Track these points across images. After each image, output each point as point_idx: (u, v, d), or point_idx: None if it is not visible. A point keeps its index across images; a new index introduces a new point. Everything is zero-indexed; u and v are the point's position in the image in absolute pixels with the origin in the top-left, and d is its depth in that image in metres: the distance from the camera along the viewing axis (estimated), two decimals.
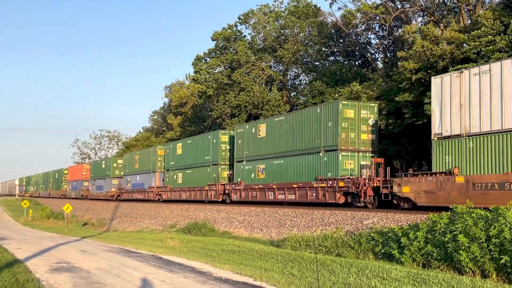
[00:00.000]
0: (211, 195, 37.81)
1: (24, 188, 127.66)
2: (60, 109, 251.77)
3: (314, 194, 27.40)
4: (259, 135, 33.52)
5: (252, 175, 33.69)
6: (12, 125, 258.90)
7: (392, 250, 15.79)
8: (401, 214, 20.16)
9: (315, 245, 19.40)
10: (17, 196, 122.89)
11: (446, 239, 14.10)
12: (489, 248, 13.26)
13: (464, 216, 14.36)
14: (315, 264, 14.42)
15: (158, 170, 49.40)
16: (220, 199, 36.82)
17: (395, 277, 12.41)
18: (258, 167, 33.27)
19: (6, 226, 48.28)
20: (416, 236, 15.14)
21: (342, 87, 41.09)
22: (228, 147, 38.13)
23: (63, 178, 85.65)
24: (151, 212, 41.41)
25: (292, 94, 58.05)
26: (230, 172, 37.65)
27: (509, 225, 13.17)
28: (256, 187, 32.55)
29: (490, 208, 14.54)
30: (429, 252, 14.62)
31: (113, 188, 61.23)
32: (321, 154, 27.52)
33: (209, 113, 61.85)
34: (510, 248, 12.76)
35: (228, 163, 38.18)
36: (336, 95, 40.05)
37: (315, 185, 27.38)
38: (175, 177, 45.28)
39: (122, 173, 60.73)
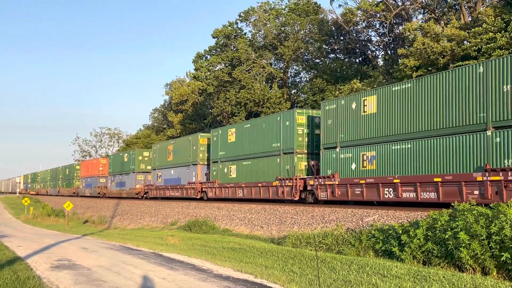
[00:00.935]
0: (283, 192, 29.40)
1: (28, 185, 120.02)
2: (60, 106, 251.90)
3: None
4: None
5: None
6: (11, 122, 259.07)
7: (392, 247, 15.80)
8: (401, 211, 20.15)
9: (315, 243, 19.42)
10: (18, 194, 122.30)
11: (447, 236, 14.11)
12: (490, 245, 13.26)
13: (465, 213, 14.37)
14: (316, 261, 14.43)
15: (200, 163, 41.19)
16: (297, 198, 28.35)
17: (395, 274, 12.42)
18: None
19: (7, 223, 48.34)
20: (416, 234, 15.15)
21: (342, 85, 41.13)
22: (306, 130, 29.42)
23: (75, 174, 77.92)
24: (151, 210, 41.43)
25: (292, 92, 58.06)
26: (314, 162, 29.19)
27: (510, 222, 13.17)
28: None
29: (491, 206, 14.55)
30: (430, 249, 14.62)
31: (138, 184, 53.98)
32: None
33: (210, 110, 61.86)
34: (511, 245, 12.76)
35: (307, 151, 29.29)
36: (337, 92, 40.08)
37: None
38: (226, 170, 36.13)
39: (149, 167, 53.19)
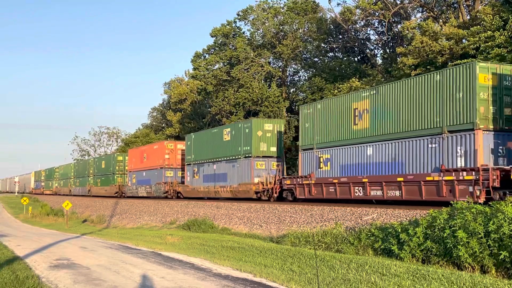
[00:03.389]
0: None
1: (42, 183, 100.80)
2: (58, 106, 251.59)
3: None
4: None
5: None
6: (7, 121, 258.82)
7: (391, 246, 15.81)
8: (400, 210, 20.18)
9: (314, 241, 19.43)
10: (16, 193, 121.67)
11: (445, 234, 14.12)
12: (488, 243, 13.28)
13: (464, 211, 14.38)
14: (315, 260, 14.44)
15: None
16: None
17: (394, 273, 12.44)
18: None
19: (6, 223, 48.34)
20: (415, 232, 15.16)
21: (341, 83, 41.14)
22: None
23: (117, 167, 60.03)
24: (150, 209, 41.43)
25: (291, 90, 58.05)
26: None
27: (508, 220, 13.18)
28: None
29: (490, 204, 14.58)
30: (429, 248, 14.64)
31: (259, 177, 32.97)
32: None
33: (208, 109, 61.83)
34: (509, 243, 12.78)
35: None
36: (336, 91, 40.07)
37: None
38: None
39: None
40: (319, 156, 27.43)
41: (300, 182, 28.62)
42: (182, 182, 45.00)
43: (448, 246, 13.96)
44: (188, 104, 71.07)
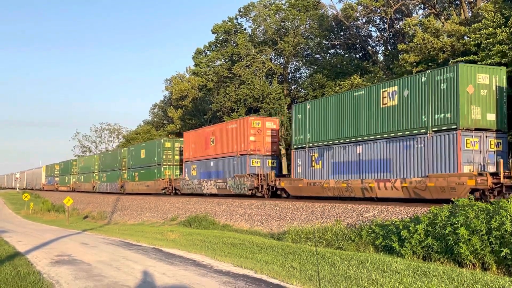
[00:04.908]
0: None
1: (56, 179, 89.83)
2: (59, 103, 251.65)
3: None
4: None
5: None
6: (8, 118, 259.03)
7: (392, 242, 15.81)
8: (401, 207, 20.17)
9: (315, 238, 19.43)
10: (17, 190, 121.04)
11: (447, 231, 14.11)
12: (490, 240, 13.27)
13: (466, 208, 14.37)
14: (316, 257, 14.44)
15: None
16: None
17: (395, 270, 12.43)
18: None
19: (7, 219, 48.39)
20: (416, 229, 15.16)
21: (342, 80, 41.11)
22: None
23: (164, 156, 46.87)
24: (151, 205, 41.46)
25: (292, 87, 58.01)
26: None
27: (510, 217, 13.18)
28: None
29: (492, 201, 14.56)
30: (430, 245, 14.63)
31: (470, 164, 20.01)
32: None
33: (209, 106, 61.83)
34: (511, 240, 12.77)
35: None
36: (337, 88, 40.05)
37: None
38: None
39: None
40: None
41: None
42: (282, 175, 36.00)
43: (449, 243, 13.95)
44: (189, 100, 71.07)
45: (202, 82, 61.05)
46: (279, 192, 31.25)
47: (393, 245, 15.71)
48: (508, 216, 13.23)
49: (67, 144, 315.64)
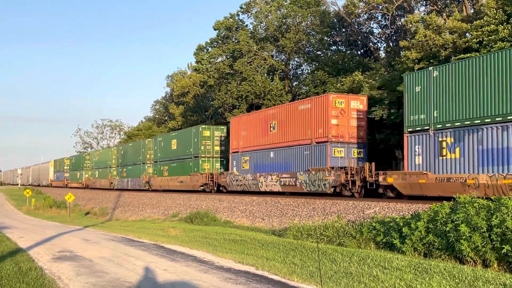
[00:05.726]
0: None
1: (66, 174, 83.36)
2: (62, 99, 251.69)
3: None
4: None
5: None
6: (9, 114, 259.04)
7: (393, 239, 15.82)
8: (402, 203, 20.18)
9: (316, 235, 19.44)
10: (19, 186, 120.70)
11: (448, 228, 14.12)
12: (491, 237, 13.27)
13: (466, 205, 14.37)
14: (317, 253, 14.46)
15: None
16: None
17: (396, 266, 12.45)
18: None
19: (9, 215, 48.46)
20: (417, 226, 15.16)
21: (344, 77, 41.05)
22: None
23: (202, 147, 40.59)
24: (153, 202, 41.50)
25: (294, 84, 57.94)
26: None
27: (511, 214, 13.18)
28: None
29: (493, 198, 14.57)
30: (431, 242, 14.64)
31: None
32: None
33: (211, 102, 61.79)
34: None
35: None
36: (338, 84, 40.00)
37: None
38: None
39: None
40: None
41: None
42: (387, 169, 26.86)
43: (450, 240, 13.96)
44: (191, 97, 71.05)
45: (204, 78, 61.00)
46: (381, 191, 24.10)
47: (394, 242, 15.72)
48: (509, 213, 13.23)
49: (69, 141, 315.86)
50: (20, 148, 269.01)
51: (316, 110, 28.24)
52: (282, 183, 30.14)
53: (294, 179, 29.00)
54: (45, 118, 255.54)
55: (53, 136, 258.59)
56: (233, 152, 36.50)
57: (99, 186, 65.34)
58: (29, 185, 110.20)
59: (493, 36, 27.48)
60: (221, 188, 38.00)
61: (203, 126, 42.72)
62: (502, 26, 27.43)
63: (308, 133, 28.59)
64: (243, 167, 35.10)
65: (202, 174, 39.63)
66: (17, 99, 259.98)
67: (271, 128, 32.02)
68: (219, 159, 41.00)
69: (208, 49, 61.99)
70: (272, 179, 31.03)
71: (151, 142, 51.44)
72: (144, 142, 53.28)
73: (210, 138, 40.88)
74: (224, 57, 58.04)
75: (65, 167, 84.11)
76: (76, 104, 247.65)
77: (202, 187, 39.36)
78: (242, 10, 57.15)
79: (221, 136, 41.26)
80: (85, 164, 74.93)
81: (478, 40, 28.76)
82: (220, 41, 59.56)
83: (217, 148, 41.19)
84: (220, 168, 39.94)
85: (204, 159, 40.51)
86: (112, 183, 60.65)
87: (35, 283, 11.05)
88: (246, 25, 58.64)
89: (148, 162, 51.10)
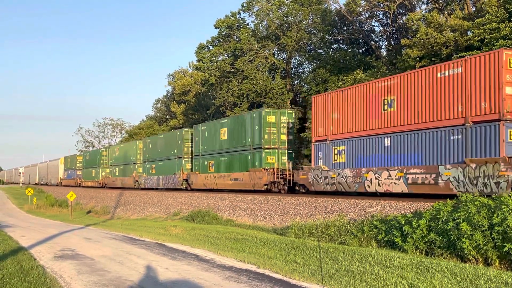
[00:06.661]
0: None
1: (79, 172, 76.09)
2: (63, 97, 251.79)
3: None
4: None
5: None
6: (12, 112, 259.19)
7: (395, 238, 15.81)
8: (404, 202, 20.15)
9: (318, 233, 19.44)
10: (21, 184, 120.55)
11: (449, 227, 14.11)
12: (492, 236, 13.27)
13: (468, 204, 14.37)
14: (318, 251, 14.46)
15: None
16: None
17: (398, 265, 12.44)
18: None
19: (11, 213, 48.53)
20: (419, 224, 15.16)
21: (345, 75, 41.00)
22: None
23: (266, 136, 33.16)
24: (154, 200, 41.51)
25: (295, 82, 57.91)
26: None
27: None
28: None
29: (493, 197, 14.56)
30: (432, 240, 14.64)
31: None
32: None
33: (212, 101, 61.78)
34: None
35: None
36: (340, 82, 39.94)
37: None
38: None
39: None
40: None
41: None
42: None
43: (452, 238, 13.96)
44: (192, 95, 71.04)
45: (205, 77, 60.99)
46: None
47: (395, 240, 15.72)
48: (510, 211, 13.22)
49: (70, 139, 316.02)
50: (20, 147, 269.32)
51: (475, 75, 19.44)
52: (409, 181, 21.56)
53: (433, 175, 20.36)
54: (44, 117, 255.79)
55: (53, 134, 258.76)
56: (318, 141, 27.90)
57: (121, 185, 57.66)
58: (35, 184, 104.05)
59: (494, 34, 27.45)
60: (296, 188, 30.06)
61: (267, 109, 34.30)
62: (503, 24, 27.39)
63: (459, 110, 19.91)
64: (334, 160, 26.73)
65: (267, 169, 31.74)
66: (15, 97, 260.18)
67: (385, 106, 23.59)
68: (286, 151, 33.62)
69: (209, 47, 61.98)
70: (390, 176, 22.64)
71: (188, 133, 44.35)
72: (181, 133, 45.26)
73: (276, 124, 33.47)
74: (225, 55, 58.03)
75: (78, 164, 76.75)
76: (77, 103, 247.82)
77: (266, 186, 31.65)
78: (243, 8, 57.11)
79: (288, 122, 33.93)
80: (101, 161, 66.83)
81: (479, 38, 28.72)
82: (221, 40, 59.55)
83: (284, 137, 33.60)
84: (288, 163, 32.51)
85: (268, 151, 32.91)
86: (137, 181, 53.31)
87: (36, 281, 11.06)
88: (248, 24, 58.63)
89: (185, 156, 44.01)
